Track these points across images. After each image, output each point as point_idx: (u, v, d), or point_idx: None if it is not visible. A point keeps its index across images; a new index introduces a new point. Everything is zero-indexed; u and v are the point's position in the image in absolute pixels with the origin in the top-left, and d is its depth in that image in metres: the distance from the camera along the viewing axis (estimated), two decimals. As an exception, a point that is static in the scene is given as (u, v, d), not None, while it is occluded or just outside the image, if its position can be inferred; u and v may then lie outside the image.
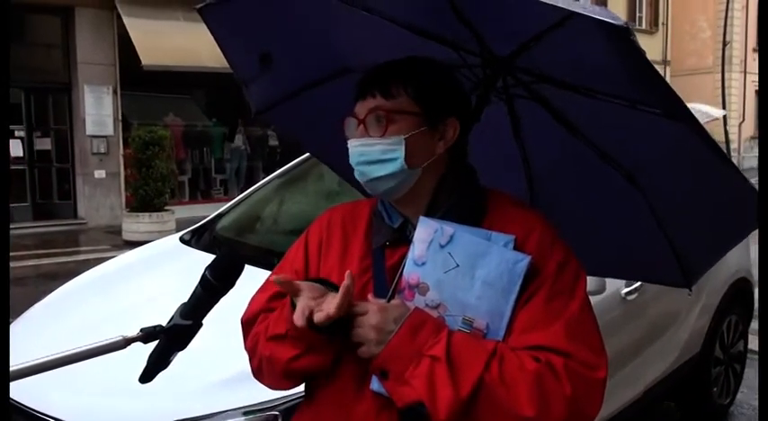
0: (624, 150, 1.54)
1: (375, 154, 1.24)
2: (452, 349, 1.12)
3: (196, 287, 1.17)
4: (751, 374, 4.34)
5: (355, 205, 1.43)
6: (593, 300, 1.30)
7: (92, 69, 12.02)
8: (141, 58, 11.33)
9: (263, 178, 3.87)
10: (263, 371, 1.33)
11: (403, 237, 1.29)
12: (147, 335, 1.11)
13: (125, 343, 1.07)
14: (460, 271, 1.19)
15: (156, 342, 1.14)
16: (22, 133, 11.89)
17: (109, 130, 12.20)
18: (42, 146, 12.26)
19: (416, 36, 1.47)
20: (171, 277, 2.76)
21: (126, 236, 10.34)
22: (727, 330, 4.02)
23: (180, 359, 1.21)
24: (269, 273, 2.08)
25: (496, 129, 1.58)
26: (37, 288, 6.40)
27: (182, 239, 3.20)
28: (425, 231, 1.22)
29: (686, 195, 1.50)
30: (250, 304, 1.39)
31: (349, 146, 1.28)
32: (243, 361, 1.39)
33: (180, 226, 8.68)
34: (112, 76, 12.24)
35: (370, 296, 1.21)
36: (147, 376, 1.17)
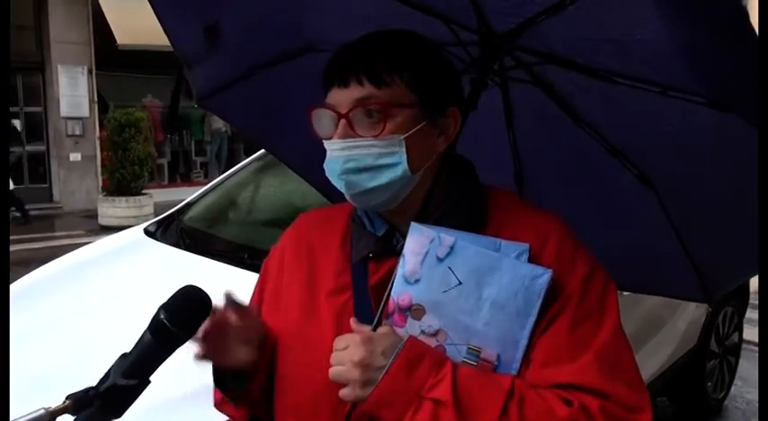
0: (640, 144, 1.33)
1: (369, 159, 0.98)
2: (459, 389, 0.89)
3: (144, 334, 0.90)
4: (744, 365, 4.24)
5: (328, 211, 1.20)
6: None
7: (66, 48, 11.65)
8: (116, 36, 11.00)
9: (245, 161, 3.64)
10: None
11: (389, 248, 1.05)
12: (76, 402, 0.84)
13: (49, 417, 0.80)
14: (464, 290, 0.96)
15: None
16: (-7, 114, 11.55)
17: (84, 112, 11.88)
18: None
19: (399, 6, 1.24)
20: (129, 277, 2.45)
21: (102, 221, 10.08)
22: (722, 322, 3.93)
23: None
24: (241, 270, 1.86)
25: (481, 117, 1.32)
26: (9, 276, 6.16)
27: (146, 231, 2.94)
28: (418, 241, 0.98)
29: (723, 198, 1.29)
30: None
31: (328, 148, 1.01)
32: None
33: (158, 210, 8.47)
34: (87, 55, 11.89)
35: (352, 322, 0.98)
36: None
